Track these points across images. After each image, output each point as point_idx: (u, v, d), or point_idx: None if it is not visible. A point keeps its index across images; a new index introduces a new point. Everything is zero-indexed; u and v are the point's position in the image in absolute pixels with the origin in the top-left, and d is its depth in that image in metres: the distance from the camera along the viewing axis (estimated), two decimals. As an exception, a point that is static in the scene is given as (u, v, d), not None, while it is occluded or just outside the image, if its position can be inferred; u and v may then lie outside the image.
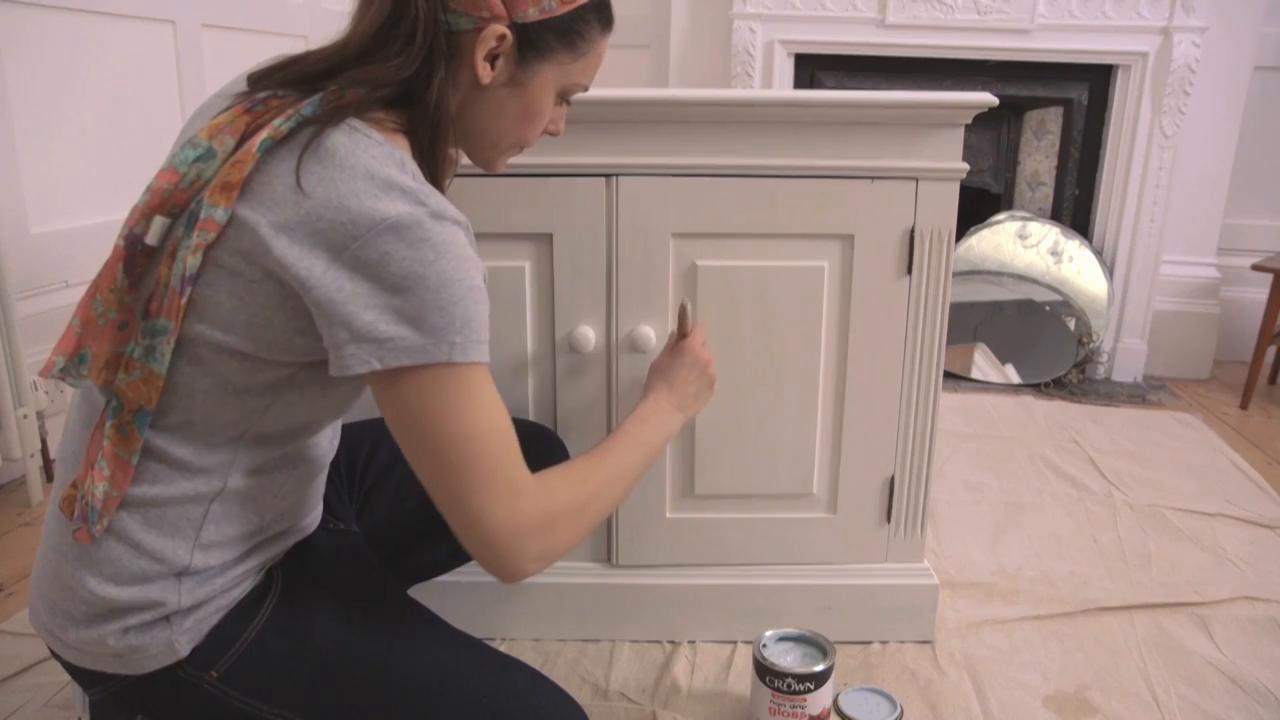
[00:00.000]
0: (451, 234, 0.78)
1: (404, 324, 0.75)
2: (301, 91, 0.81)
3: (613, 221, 1.29)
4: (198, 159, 0.79)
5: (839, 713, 1.22)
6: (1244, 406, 2.70)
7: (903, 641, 1.46)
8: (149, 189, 0.79)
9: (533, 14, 0.83)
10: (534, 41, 0.85)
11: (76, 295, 2.14)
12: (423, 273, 0.75)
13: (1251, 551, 1.80)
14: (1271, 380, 2.96)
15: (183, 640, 0.84)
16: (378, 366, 0.75)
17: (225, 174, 0.77)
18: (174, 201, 0.79)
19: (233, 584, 0.87)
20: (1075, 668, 1.42)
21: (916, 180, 1.29)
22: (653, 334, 1.31)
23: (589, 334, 1.31)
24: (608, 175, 1.27)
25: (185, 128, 0.89)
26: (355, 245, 0.75)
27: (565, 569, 1.43)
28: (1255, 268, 2.67)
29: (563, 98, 0.92)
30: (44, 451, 1.97)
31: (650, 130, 1.26)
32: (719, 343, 1.33)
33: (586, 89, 0.93)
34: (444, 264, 0.76)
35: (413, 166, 0.81)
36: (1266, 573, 1.72)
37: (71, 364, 0.78)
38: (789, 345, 1.34)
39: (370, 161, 0.78)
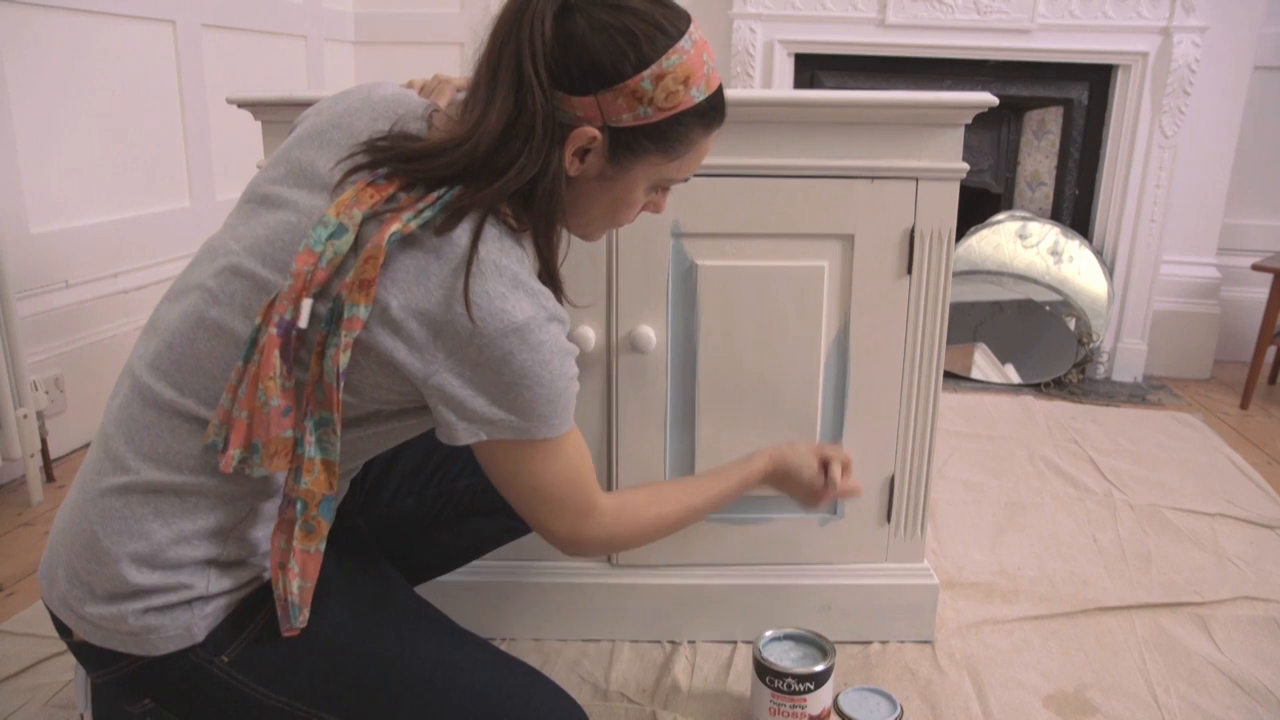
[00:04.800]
0: (560, 332, 0.85)
1: (514, 412, 0.84)
2: (428, 186, 0.83)
3: (613, 221, 1.29)
4: (330, 236, 0.80)
5: (839, 713, 1.22)
6: (1244, 406, 2.70)
7: (903, 641, 1.46)
8: (290, 273, 0.80)
9: (626, 119, 0.83)
10: (626, 142, 0.85)
11: (76, 295, 2.15)
12: (539, 372, 0.83)
13: (1251, 551, 1.80)
14: (1271, 380, 2.96)
15: (200, 625, 0.85)
16: (484, 438, 0.85)
17: (361, 270, 0.79)
18: (316, 282, 0.80)
19: (255, 574, 0.89)
20: (1075, 668, 1.42)
21: (916, 180, 1.29)
22: (652, 334, 1.31)
23: (589, 334, 1.31)
24: (608, 175, 1.27)
25: (297, 145, 0.90)
26: (480, 341, 0.80)
27: (565, 569, 1.43)
28: (1255, 268, 2.66)
29: (659, 188, 0.93)
30: (44, 451, 1.97)
31: (650, 130, 1.25)
32: (719, 342, 1.33)
33: (686, 181, 0.94)
34: (556, 362, 0.84)
35: (530, 263, 0.86)
36: (1266, 573, 1.72)
37: (247, 454, 0.81)
38: (789, 345, 1.34)
39: (500, 258, 0.82)
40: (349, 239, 0.80)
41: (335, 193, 0.83)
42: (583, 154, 0.85)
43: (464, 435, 0.84)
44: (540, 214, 0.86)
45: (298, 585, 0.84)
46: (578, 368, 0.88)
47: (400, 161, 0.83)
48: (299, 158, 0.88)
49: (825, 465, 1.17)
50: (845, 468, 1.18)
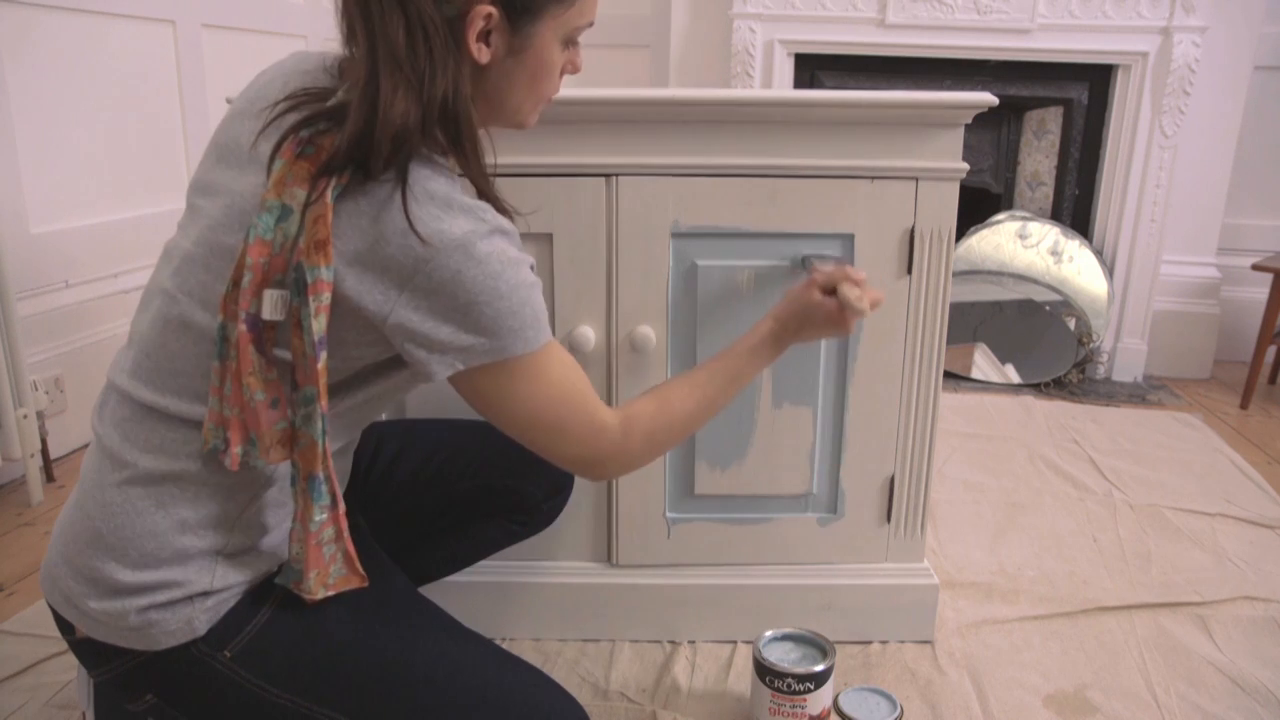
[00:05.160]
0: (505, 243, 0.83)
1: (481, 333, 0.82)
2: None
3: (613, 221, 1.29)
4: (279, 221, 0.79)
5: (839, 713, 1.22)
6: (1244, 406, 2.70)
7: (903, 641, 1.46)
8: (248, 267, 0.79)
9: None
10: (523, 6, 0.83)
11: (76, 295, 2.15)
12: (493, 284, 0.81)
13: (1251, 551, 1.80)
14: (1271, 380, 2.96)
15: (202, 619, 0.85)
16: (461, 368, 0.83)
17: (312, 231, 0.78)
18: (274, 270, 0.80)
19: (260, 567, 0.89)
20: (1075, 668, 1.42)
21: (916, 180, 1.29)
22: (652, 334, 1.31)
23: (589, 334, 1.31)
24: (608, 175, 1.27)
25: (221, 129, 0.89)
26: (427, 267, 0.79)
27: (565, 569, 1.43)
28: (1255, 268, 2.66)
29: (570, 42, 0.91)
30: (44, 451, 1.97)
31: (650, 130, 1.26)
32: (719, 343, 1.33)
33: (591, 24, 0.91)
34: (509, 272, 0.82)
35: (462, 181, 0.84)
36: (1266, 573, 1.72)
37: (248, 448, 0.82)
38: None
39: (427, 184, 0.80)
40: (296, 219, 0.79)
41: (269, 169, 0.81)
42: (485, 36, 0.83)
43: (439, 369, 0.83)
44: (450, 122, 0.82)
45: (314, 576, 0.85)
46: (537, 277, 0.86)
47: (314, 111, 0.81)
48: (224, 140, 0.88)
49: (831, 292, 1.06)
50: (858, 282, 1.06)
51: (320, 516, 0.84)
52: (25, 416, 1.85)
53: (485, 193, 0.89)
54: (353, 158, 0.78)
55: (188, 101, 2.46)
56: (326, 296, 0.78)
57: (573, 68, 0.94)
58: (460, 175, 0.88)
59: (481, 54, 0.83)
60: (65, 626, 0.89)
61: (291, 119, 0.82)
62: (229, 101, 1.23)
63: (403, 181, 0.79)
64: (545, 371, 0.87)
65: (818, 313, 1.06)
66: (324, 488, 0.84)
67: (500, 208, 0.89)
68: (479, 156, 0.87)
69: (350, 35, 0.81)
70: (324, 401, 0.81)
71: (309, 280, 0.78)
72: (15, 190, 1.97)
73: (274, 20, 2.83)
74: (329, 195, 0.78)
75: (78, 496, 0.88)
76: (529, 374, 0.86)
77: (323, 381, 0.80)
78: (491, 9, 0.81)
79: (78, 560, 0.85)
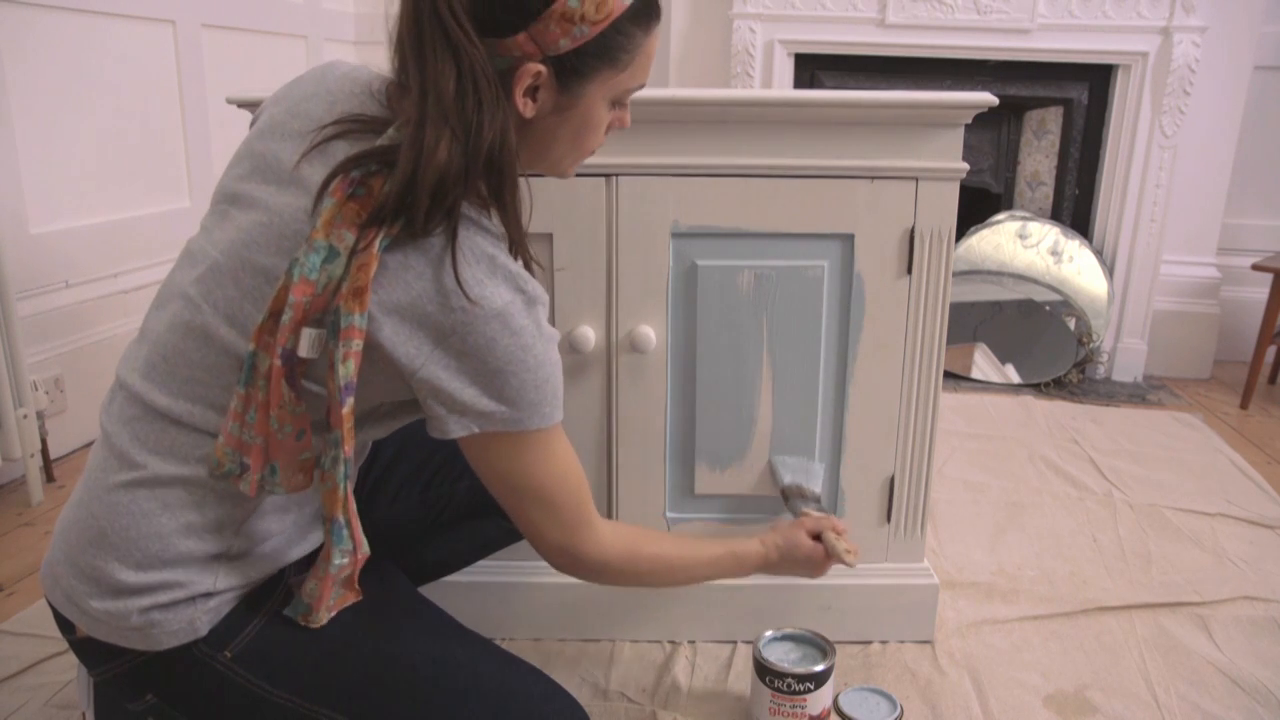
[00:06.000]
0: (542, 316, 0.85)
1: (502, 401, 0.83)
2: None
3: (613, 221, 1.29)
4: (324, 263, 0.79)
5: (839, 713, 1.22)
6: (1244, 406, 2.70)
7: (903, 641, 1.46)
8: (289, 304, 0.79)
9: (565, 45, 0.81)
10: (572, 67, 0.83)
11: (76, 295, 2.15)
12: (523, 357, 0.83)
13: (1251, 551, 1.80)
14: (1271, 380, 2.96)
15: (203, 620, 0.86)
16: (476, 431, 0.85)
17: (354, 278, 0.78)
18: (315, 309, 0.80)
19: (260, 570, 0.89)
20: (1075, 668, 1.42)
21: (916, 180, 1.29)
22: (652, 334, 1.31)
23: (589, 334, 1.31)
24: (608, 175, 1.27)
25: (258, 138, 0.89)
26: (463, 330, 0.80)
27: (565, 569, 1.43)
28: (1255, 268, 2.67)
29: (618, 103, 0.91)
30: (44, 452, 1.97)
31: (650, 130, 1.25)
32: (719, 343, 1.33)
33: (643, 87, 0.91)
34: (539, 346, 0.84)
35: (503, 241, 0.85)
36: (1266, 573, 1.72)
37: (267, 476, 0.83)
38: (789, 345, 1.34)
39: (477, 240, 0.82)
40: (342, 262, 0.79)
41: (316, 206, 0.80)
42: (533, 92, 0.83)
43: (455, 429, 0.84)
44: (494, 171, 0.82)
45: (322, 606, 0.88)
46: (559, 355, 0.88)
47: (364, 149, 0.81)
48: (261, 152, 0.87)
49: (816, 537, 1.18)
50: (840, 533, 1.18)
51: (341, 560, 0.85)
52: (25, 416, 1.85)
53: (518, 243, 0.89)
54: (401, 208, 0.78)
55: (188, 101, 2.46)
56: (357, 343, 0.78)
57: (620, 124, 0.94)
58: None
59: (527, 108, 0.83)
60: (66, 625, 0.90)
61: (340, 149, 0.82)
62: (229, 102, 1.24)
63: (453, 240, 0.80)
64: (552, 451, 0.89)
65: (803, 554, 1.16)
66: (345, 532, 0.85)
67: (528, 261, 0.90)
68: (517, 208, 0.87)
69: (402, 69, 0.81)
70: (348, 447, 0.81)
71: (342, 325, 0.78)
72: (15, 190, 1.97)
73: (274, 20, 2.84)
74: (376, 245, 0.78)
75: (81, 495, 0.88)
76: (538, 449, 0.88)
77: (347, 426, 0.80)
78: (541, 68, 0.81)
79: (80, 559, 0.85)
